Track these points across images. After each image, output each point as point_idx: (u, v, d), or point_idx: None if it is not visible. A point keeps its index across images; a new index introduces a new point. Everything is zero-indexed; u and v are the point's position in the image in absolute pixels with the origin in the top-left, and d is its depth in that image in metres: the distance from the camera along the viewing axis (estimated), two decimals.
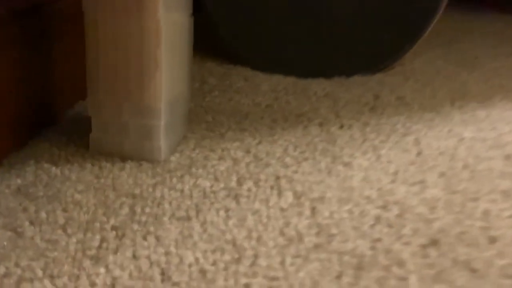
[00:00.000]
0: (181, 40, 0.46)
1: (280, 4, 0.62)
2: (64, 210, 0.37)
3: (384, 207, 0.39)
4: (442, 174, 0.43)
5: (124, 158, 0.43)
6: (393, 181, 0.42)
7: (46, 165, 0.42)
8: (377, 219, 0.37)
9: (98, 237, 0.35)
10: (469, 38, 0.76)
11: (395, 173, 0.43)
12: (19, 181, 0.41)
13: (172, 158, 0.44)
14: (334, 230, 0.36)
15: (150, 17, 0.41)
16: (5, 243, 0.34)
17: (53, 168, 0.42)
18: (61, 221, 0.36)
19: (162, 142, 0.43)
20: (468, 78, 0.63)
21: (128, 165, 0.43)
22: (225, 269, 0.32)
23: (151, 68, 0.42)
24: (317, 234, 0.36)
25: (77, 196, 0.39)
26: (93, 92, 0.44)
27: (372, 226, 0.37)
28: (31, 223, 0.36)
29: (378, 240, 0.35)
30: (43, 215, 0.37)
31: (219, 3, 0.62)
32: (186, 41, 0.46)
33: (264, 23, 0.63)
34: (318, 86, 0.59)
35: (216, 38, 0.63)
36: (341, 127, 0.50)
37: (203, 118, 0.51)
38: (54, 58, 0.50)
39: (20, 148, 0.45)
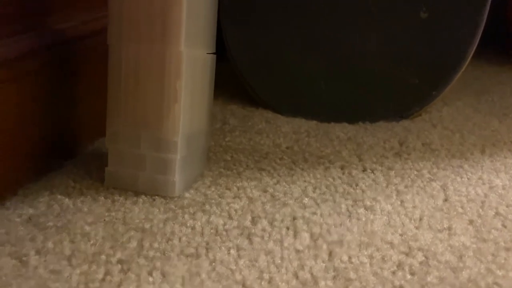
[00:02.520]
0: (202, 76, 0.46)
1: (303, 49, 0.62)
2: (72, 241, 0.36)
3: (408, 253, 0.36)
4: (471, 222, 0.40)
5: (138, 193, 0.42)
6: (417, 227, 0.39)
7: (59, 196, 0.42)
8: (400, 265, 0.35)
9: (102, 270, 0.33)
10: (499, 89, 0.74)
11: (420, 218, 0.40)
12: (31, 210, 0.40)
13: (187, 195, 0.43)
14: (352, 275, 0.33)
15: (173, 49, 0.41)
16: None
17: (66, 200, 0.41)
18: (67, 252, 0.35)
19: (177, 176, 0.42)
20: (500, 126, 0.60)
21: (141, 199, 0.42)
22: None
23: (170, 100, 0.41)
24: (334, 278, 0.33)
25: (86, 228, 0.38)
26: (111, 123, 0.43)
27: (394, 272, 0.34)
28: (37, 252, 0.35)
29: (400, 287, 0.32)
30: (50, 245, 0.36)
31: (242, 47, 0.63)
32: (207, 78, 0.46)
33: (287, 67, 0.63)
34: (341, 130, 0.57)
35: (239, 81, 0.64)
36: (364, 170, 0.48)
37: (221, 157, 0.50)
38: (77, 94, 0.51)
39: (37, 179, 0.45)
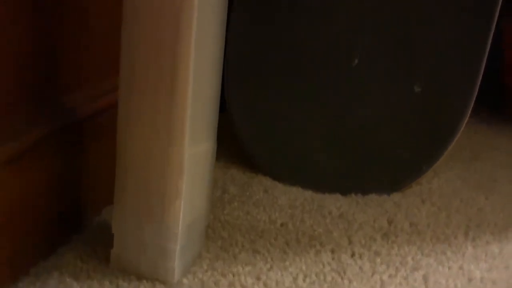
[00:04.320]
0: (204, 167, 0.49)
1: (302, 120, 0.65)
2: None
3: None
4: None
5: (140, 277, 0.46)
6: None
7: (68, 279, 0.45)
8: None
9: None
10: (489, 156, 0.77)
11: None
12: None
13: (185, 281, 0.46)
14: None
15: (176, 150, 0.44)
16: None
17: (75, 284, 0.45)
18: None
19: (177, 264, 0.46)
20: (485, 203, 0.63)
21: (143, 285, 0.45)
22: None
23: (172, 196, 0.45)
24: None
25: None
26: (118, 210, 0.47)
27: None
28: None
29: None
30: None
31: (245, 118, 0.66)
32: (208, 166, 0.50)
33: (286, 137, 0.66)
34: (334, 204, 0.60)
35: (241, 149, 0.67)
36: (352, 255, 0.51)
37: (219, 234, 0.53)
38: (85, 167, 0.55)
39: (47, 254, 0.48)
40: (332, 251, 0.52)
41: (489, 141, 0.81)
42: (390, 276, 0.49)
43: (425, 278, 0.49)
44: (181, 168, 0.45)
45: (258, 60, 0.67)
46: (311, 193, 0.63)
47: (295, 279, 0.47)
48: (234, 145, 0.68)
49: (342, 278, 0.48)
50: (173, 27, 0.43)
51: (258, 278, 0.47)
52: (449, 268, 0.50)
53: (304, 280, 0.47)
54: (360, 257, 0.51)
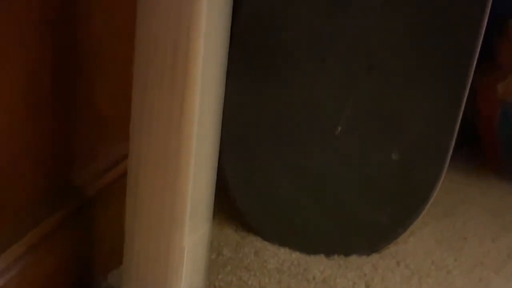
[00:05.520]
0: (203, 247, 0.55)
1: (291, 184, 0.72)
2: None
3: None
4: None
5: None
6: None
7: None
8: None
9: None
10: (462, 211, 0.83)
11: None
12: None
13: None
14: None
15: (176, 242, 0.50)
16: None
17: None
18: None
19: None
20: (454, 266, 0.70)
21: None
22: None
23: (172, 284, 0.51)
24: None
25: None
26: (126, 284, 0.53)
27: None
28: None
29: None
30: None
31: (238, 181, 0.72)
32: (206, 248, 0.56)
33: (274, 200, 0.72)
34: (318, 267, 0.67)
35: (234, 209, 0.73)
36: None
37: None
38: (96, 239, 0.60)
39: None
40: None
41: (462, 194, 0.88)
42: None
43: None
44: (181, 259, 0.51)
45: (248, 125, 0.73)
46: (298, 255, 0.69)
47: None
48: (227, 202, 0.74)
49: None
50: (179, 105, 0.48)
51: None
52: None
53: None
54: None
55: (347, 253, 0.71)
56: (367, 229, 0.72)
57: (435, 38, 0.69)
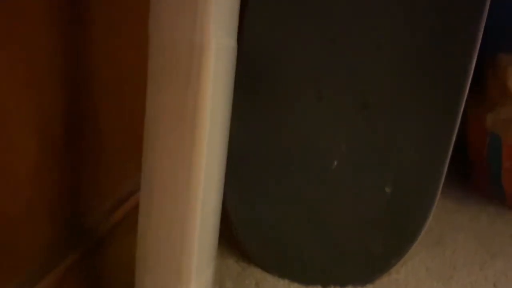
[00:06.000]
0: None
1: (287, 216, 0.75)
2: None
3: None
4: None
5: None
6: None
7: None
8: None
9: None
10: (452, 239, 0.87)
11: None
12: None
13: None
14: None
15: (183, 284, 0.54)
16: None
17: None
18: None
19: None
20: None
21: None
22: None
23: None
24: None
25: None
26: None
27: None
28: None
29: None
30: None
31: (239, 215, 0.75)
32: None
33: (273, 233, 0.75)
34: None
35: (236, 240, 0.76)
36: None
37: None
38: (104, 275, 0.63)
39: None
40: None
41: (453, 221, 0.92)
42: None
43: None
44: None
45: (248, 159, 0.76)
46: (296, 286, 0.73)
47: None
48: (229, 233, 0.77)
49: None
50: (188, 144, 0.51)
51: None
52: None
53: None
54: None
55: (342, 284, 0.74)
56: (362, 261, 0.75)
57: (428, 77, 0.73)
